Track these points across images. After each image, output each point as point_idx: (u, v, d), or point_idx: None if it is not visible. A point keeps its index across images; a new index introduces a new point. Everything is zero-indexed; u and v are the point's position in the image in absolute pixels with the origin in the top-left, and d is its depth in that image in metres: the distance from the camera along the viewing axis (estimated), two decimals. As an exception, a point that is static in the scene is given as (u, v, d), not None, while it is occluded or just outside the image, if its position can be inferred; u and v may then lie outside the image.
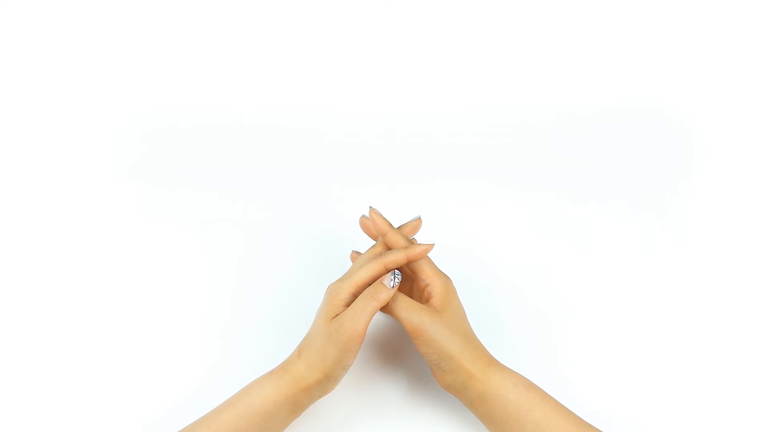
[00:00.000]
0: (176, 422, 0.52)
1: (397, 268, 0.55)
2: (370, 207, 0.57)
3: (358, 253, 0.60)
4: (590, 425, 0.51)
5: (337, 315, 0.52)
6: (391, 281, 0.53)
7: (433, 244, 0.57)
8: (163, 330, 0.64)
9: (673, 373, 0.62)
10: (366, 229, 0.60)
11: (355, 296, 0.53)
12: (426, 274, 0.55)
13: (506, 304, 0.67)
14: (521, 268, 0.70)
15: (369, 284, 0.54)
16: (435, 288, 0.54)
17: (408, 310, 0.53)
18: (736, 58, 0.87)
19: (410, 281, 0.59)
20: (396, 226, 0.60)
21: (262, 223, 0.74)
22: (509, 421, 0.51)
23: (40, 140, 0.81)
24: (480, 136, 0.83)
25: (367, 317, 0.51)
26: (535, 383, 0.53)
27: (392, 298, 0.53)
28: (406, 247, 0.55)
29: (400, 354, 0.63)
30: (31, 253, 0.71)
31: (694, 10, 0.87)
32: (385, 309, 0.53)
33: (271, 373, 0.53)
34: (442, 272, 0.56)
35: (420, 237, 0.62)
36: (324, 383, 0.52)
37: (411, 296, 0.59)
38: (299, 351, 0.53)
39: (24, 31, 0.86)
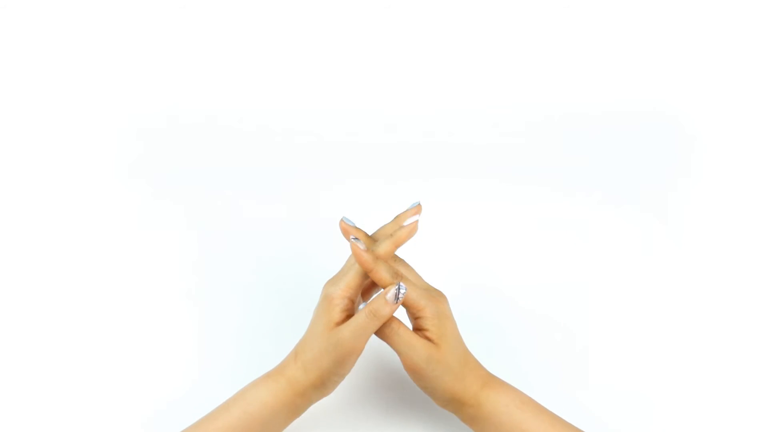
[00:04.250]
0: (172, 423, 0.52)
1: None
2: (352, 241, 0.52)
3: (346, 223, 0.55)
4: None
5: (337, 324, 0.50)
6: (395, 297, 0.50)
7: (416, 221, 0.54)
8: (160, 329, 0.64)
9: (674, 375, 0.62)
10: (345, 234, 0.55)
11: (351, 300, 0.52)
12: (415, 307, 0.51)
13: (506, 303, 0.67)
14: (521, 268, 0.70)
15: (361, 285, 0.52)
16: (427, 320, 0.51)
17: (409, 346, 0.50)
18: (736, 58, 0.87)
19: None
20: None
21: (262, 222, 0.74)
22: None
23: (39, 139, 0.81)
24: (480, 136, 0.83)
25: (367, 336, 0.50)
26: (530, 396, 0.52)
27: (393, 327, 0.51)
28: (394, 260, 0.54)
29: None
30: (30, 252, 0.71)
31: (695, 12, 0.87)
32: (385, 337, 0.51)
33: (267, 376, 0.52)
34: (432, 293, 0.53)
35: (419, 238, 0.62)
36: (320, 387, 0.52)
37: None
38: (295, 354, 0.52)
39: (24, 31, 0.86)
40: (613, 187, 0.78)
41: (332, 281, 0.53)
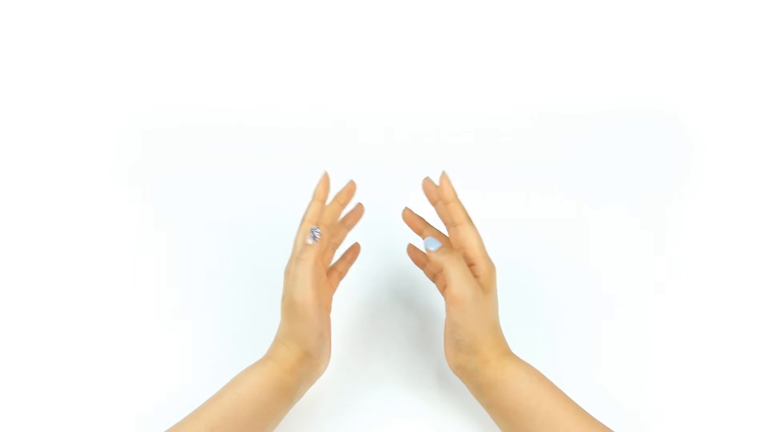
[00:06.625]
0: (169, 415, 0.52)
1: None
2: (443, 173, 0.56)
3: (410, 210, 0.60)
4: (599, 422, 0.51)
5: None
6: (311, 238, 0.52)
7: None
8: (159, 327, 0.65)
9: (673, 376, 0.62)
10: (410, 223, 0.59)
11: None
12: (474, 253, 0.53)
13: (506, 304, 0.67)
14: (521, 268, 0.70)
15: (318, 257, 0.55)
16: (481, 269, 0.53)
17: (464, 273, 0.51)
18: (736, 57, 0.87)
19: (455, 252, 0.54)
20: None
21: (261, 223, 0.74)
22: (519, 409, 0.51)
23: (39, 140, 0.81)
24: (479, 136, 0.83)
25: (304, 280, 0.50)
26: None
27: (457, 254, 0.52)
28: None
29: (397, 353, 0.63)
30: (29, 253, 0.71)
31: (695, 11, 0.86)
32: (447, 261, 0.52)
33: (256, 362, 0.54)
34: (490, 258, 0.55)
35: (417, 239, 0.62)
36: (307, 360, 0.53)
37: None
38: (276, 337, 0.55)
39: (24, 31, 0.86)
40: (613, 187, 0.78)
41: (289, 259, 0.56)
